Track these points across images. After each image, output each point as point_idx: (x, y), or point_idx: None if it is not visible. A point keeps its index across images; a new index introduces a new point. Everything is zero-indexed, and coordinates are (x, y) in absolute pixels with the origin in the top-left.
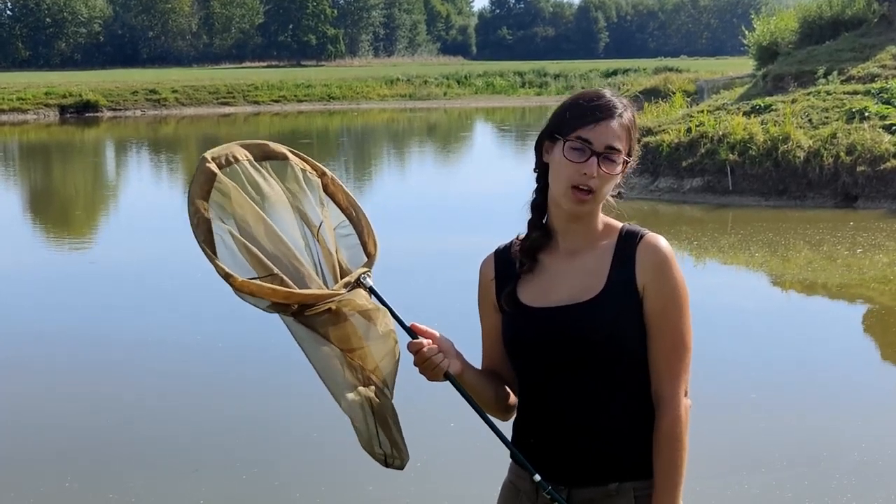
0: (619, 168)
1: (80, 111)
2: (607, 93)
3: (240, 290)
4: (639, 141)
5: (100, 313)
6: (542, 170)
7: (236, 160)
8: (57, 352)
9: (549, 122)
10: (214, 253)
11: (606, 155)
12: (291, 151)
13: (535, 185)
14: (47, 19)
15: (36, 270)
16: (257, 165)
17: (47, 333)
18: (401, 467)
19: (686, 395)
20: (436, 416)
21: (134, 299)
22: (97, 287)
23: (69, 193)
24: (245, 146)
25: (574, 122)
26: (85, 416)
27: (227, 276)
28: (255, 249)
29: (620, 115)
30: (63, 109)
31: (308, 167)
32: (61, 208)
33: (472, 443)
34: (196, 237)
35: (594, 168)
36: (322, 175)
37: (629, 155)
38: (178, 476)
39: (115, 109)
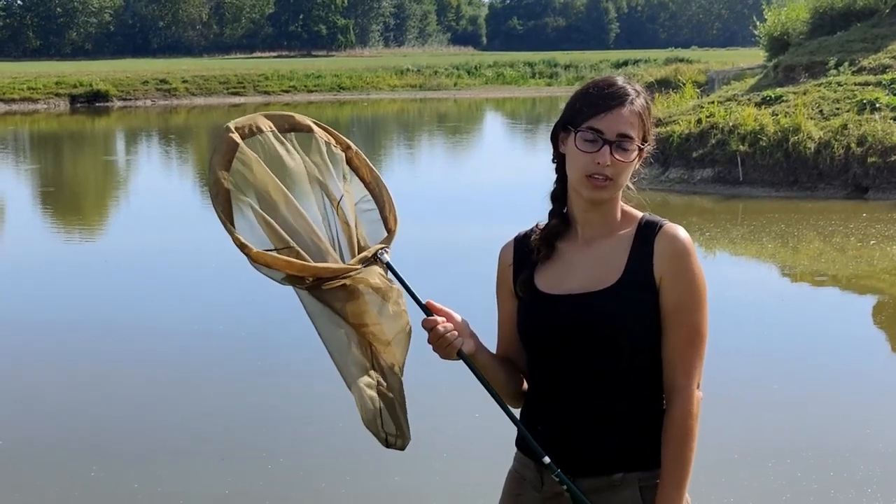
0: (634, 155)
1: (91, 101)
2: (619, 80)
3: (255, 260)
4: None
5: (118, 302)
6: (559, 160)
7: (260, 131)
8: (78, 341)
9: (563, 113)
10: (233, 224)
11: (619, 143)
12: (316, 124)
13: (553, 176)
14: (58, 9)
15: (49, 260)
16: (281, 137)
17: (66, 322)
18: (402, 448)
19: (699, 387)
20: (462, 406)
21: (153, 288)
22: (113, 276)
23: (80, 183)
24: (269, 117)
25: (585, 111)
26: (109, 405)
27: (242, 247)
28: (273, 222)
29: (632, 102)
30: (74, 99)
31: (333, 140)
32: (72, 197)
33: (497, 433)
34: (214, 207)
35: (607, 157)
36: (347, 149)
37: (644, 141)
38: (204, 465)
39: (125, 99)
